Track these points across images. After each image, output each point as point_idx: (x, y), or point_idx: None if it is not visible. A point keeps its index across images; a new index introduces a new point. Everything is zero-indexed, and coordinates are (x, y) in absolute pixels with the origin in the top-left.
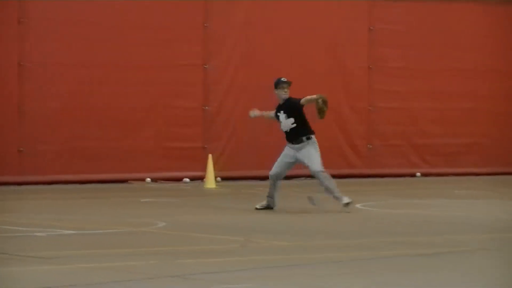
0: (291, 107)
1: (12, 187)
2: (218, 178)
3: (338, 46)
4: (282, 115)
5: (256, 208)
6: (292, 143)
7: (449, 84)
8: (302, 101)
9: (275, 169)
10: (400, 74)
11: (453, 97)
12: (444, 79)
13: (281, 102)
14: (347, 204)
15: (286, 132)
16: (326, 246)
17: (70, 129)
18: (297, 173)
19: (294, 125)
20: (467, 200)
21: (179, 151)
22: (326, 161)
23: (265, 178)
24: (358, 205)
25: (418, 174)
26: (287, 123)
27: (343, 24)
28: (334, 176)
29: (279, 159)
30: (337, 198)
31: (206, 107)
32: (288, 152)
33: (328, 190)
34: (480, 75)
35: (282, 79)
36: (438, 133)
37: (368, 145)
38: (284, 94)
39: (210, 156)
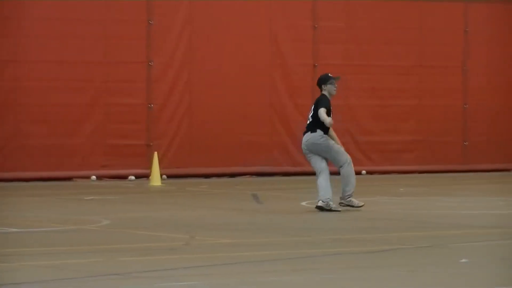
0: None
1: None
2: (164, 176)
3: (281, 44)
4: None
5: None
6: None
7: (389, 81)
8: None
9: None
10: (342, 71)
11: (396, 94)
12: (384, 76)
13: (330, 98)
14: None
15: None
16: (271, 243)
17: (13, 125)
18: (240, 171)
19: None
20: (411, 198)
21: (124, 149)
22: (271, 159)
23: (209, 175)
24: (303, 203)
25: (364, 172)
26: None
27: (286, 22)
28: (278, 174)
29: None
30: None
31: (151, 105)
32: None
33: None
34: (422, 71)
35: (330, 74)
36: (381, 131)
37: None
38: (335, 90)
39: (155, 153)
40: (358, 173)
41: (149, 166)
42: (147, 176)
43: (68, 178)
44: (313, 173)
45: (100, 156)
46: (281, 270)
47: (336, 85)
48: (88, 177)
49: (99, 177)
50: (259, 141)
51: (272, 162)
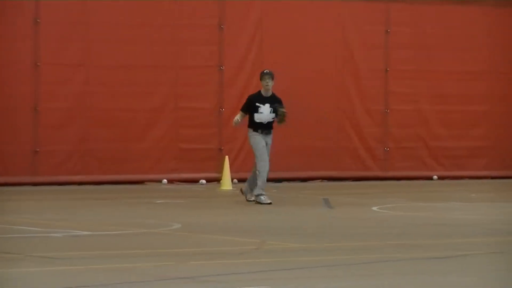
0: (276, 102)
1: (26, 188)
2: (234, 180)
3: (353, 48)
4: (265, 107)
5: (249, 200)
6: (264, 132)
7: (459, 87)
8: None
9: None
10: (414, 76)
11: (464, 100)
12: (454, 82)
13: (264, 94)
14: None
15: (261, 123)
16: (339, 248)
17: (85, 130)
18: (311, 175)
19: (273, 119)
20: (483, 203)
21: (195, 153)
22: (342, 164)
23: (280, 180)
24: (374, 208)
25: (435, 177)
26: (269, 116)
27: (358, 26)
28: (349, 179)
29: (262, 147)
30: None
31: (222, 109)
32: (261, 138)
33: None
34: (491, 76)
35: (265, 70)
36: (453, 136)
37: (385, 148)
38: (266, 85)
39: (226, 157)
40: (429, 178)
41: (220, 170)
42: (218, 180)
43: (139, 182)
44: (385, 178)
45: (171, 160)
46: (351, 275)
47: (268, 80)
48: (159, 181)
49: (170, 181)
50: (329, 146)
51: (343, 167)
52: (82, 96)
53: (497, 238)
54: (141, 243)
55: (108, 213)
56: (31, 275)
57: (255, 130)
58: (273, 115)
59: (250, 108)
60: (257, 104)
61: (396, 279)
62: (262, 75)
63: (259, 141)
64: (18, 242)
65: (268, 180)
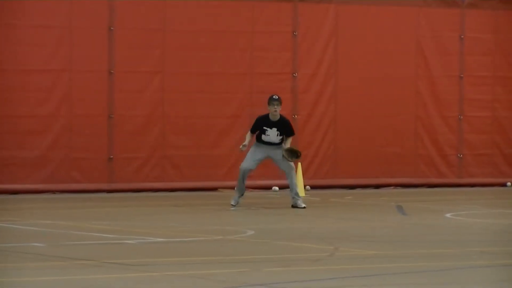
0: (284, 127)
1: (102, 195)
2: (307, 187)
3: (427, 54)
4: (273, 131)
5: (232, 205)
6: (271, 147)
7: None
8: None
9: (251, 163)
10: (489, 82)
11: None
12: None
13: (272, 118)
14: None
15: (268, 142)
16: (414, 255)
17: (158, 137)
18: (385, 182)
19: (280, 140)
20: None
21: (268, 159)
22: (416, 171)
23: (354, 186)
24: (448, 215)
25: (509, 183)
26: (276, 138)
27: (432, 32)
28: (423, 186)
29: (251, 155)
30: (296, 196)
31: (295, 116)
32: (260, 149)
33: (294, 188)
34: None
35: (274, 96)
36: None
37: (459, 155)
38: (275, 111)
39: (299, 164)
40: (503, 184)
41: None
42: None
43: (213, 189)
44: (459, 185)
45: None
46: (423, 283)
47: (276, 106)
48: (233, 188)
49: None
50: (404, 152)
51: (418, 174)
52: (159, 103)
53: None
54: (216, 250)
55: (183, 220)
56: (107, 282)
57: (261, 143)
58: (280, 138)
59: (257, 129)
60: (265, 127)
61: (474, 286)
62: (271, 101)
63: (255, 152)
64: (93, 248)
65: (343, 186)
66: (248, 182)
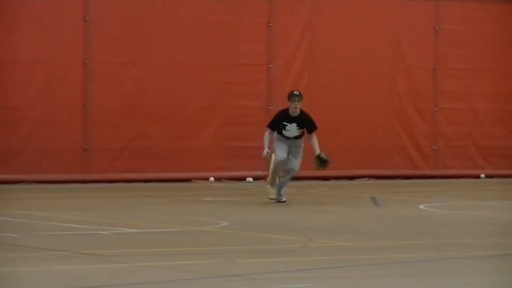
0: (305, 122)
1: (76, 185)
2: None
3: (402, 46)
4: (292, 126)
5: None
6: (290, 141)
7: (508, 85)
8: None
9: (284, 153)
10: (464, 75)
11: None
12: (508, 80)
13: (292, 114)
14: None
15: (288, 137)
16: (388, 247)
17: (133, 128)
18: (360, 174)
19: (300, 133)
20: None
21: (243, 151)
22: (391, 162)
23: (328, 178)
24: (422, 206)
25: (483, 175)
26: (296, 132)
27: (408, 24)
28: (398, 177)
29: (280, 146)
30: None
31: (270, 107)
32: (283, 141)
33: (284, 185)
34: None
35: (295, 92)
36: (503, 134)
37: (433, 146)
38: (295, 108)
39: (273, 155)
40: (477, 176)
41: (268, 168)
42: (265, 178)
43: (187, 180)
44: (434, 176)
45: (219, 158)
46: (396, 274)
47: (297, 103)
48: (207, 179)
49: (217, 179)
50: (379, 144)
51: (392, 165)
52: (135, 94)
53: None
54: (189, 241)
55: (156, 211)
56: (82, 272)
57: (282, 136)
58: (300, 131)
59: (276, 125)
60: (284, 123)
61: (446, 278)
62: (292, 97)
63: (280, 143)
64: (68, 239)
65: (318, 178)
66: (222, 173)
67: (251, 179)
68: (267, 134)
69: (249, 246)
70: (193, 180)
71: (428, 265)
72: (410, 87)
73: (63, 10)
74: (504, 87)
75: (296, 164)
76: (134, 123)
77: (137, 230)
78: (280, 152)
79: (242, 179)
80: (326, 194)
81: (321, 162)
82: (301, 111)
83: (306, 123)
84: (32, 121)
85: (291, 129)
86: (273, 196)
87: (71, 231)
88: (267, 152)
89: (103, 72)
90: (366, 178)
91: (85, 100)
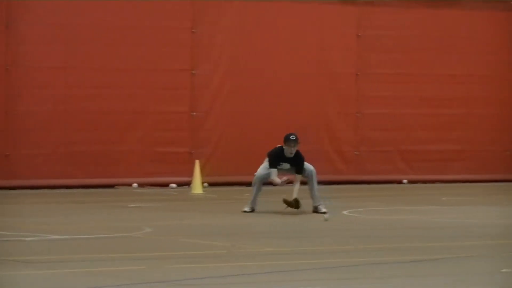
0: (297, 164)
1: (0, 191)
2: (205, 184)
3: (326, 52)
4: (286, 165)
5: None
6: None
7: (438, 90)
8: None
9: (265, 171)
10: (388, 79)
11: (443, 103)
12: (433, 85)
13: (287, 155)
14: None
15: (281, 168)
16: (313, 252)
17: (58, 133)
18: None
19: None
20: (455, 207)
21: (166, 156)
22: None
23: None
24: (345, 212)
25: (405, 181)
26: (287, 167)
27: (331, 30)
28: (321, 182)
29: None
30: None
31: (194, 113)
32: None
33: (315, 192)
34: (469, 80)
35: (291, 137)
36: (426, 140)
37: (355, 152)
38: (290, 154)
39: (197, 161)
40: (399, 181)
41: (191, 173)
42: (188, 183)
43: (111, 186)
44: (357, 182)
45: (143, 164)
46: (322, 279)
47: (293, 148)
48: (130, 185)
49: (141, 185)
50: (301, 148)
51: (315, 170)
52: (61, 99)
53: (469, 242)
54: (114, 247)
55: (82, 217)
56: (7, 279)
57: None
58: (293, 168)
59: (275, 163)
60: (280, 162)
61: (374, 283)
62: (288, 142)
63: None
64: None
65: (242, 183)
66: (145, 179)
67: (174, 185)
68: (275, 179)
69: (173, 252)
70: (116, 186)
71: (352, 270)
72: (333, 92)
73: None
74: (427, 92)
75: (309, 167)
76: (60, 128)
77: (62, 237)
78: (262, 170)
79: (166, 185)
80: (249, 199)
81: (296, 204)
82: (297, 152)
83: (298, 166)
84: None
85: (284, 166)
86: (247, 209)
87: None
88: (285, 180)
89: (27, 77)
90: (290, 184)
91: (7, 106)
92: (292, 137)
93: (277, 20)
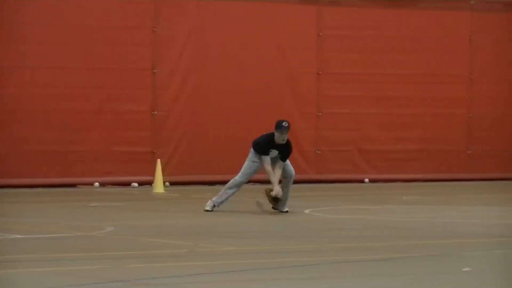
0: (285, 151)
1: None
2: (167, 183)
3: (287, 51)
4: (274, 152)
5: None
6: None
7: (398, 90)
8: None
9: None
10: (349, 79)
11: (402, 102)
12: (393, 85)
13: (277, 142)
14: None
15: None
16: (276, 251)
17: (18, 132)
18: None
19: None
20: (415, 206)
21: (127, 156)
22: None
23: (214, 183)
24: (307, 211)
25: (366, 180)
26: (275, 155)
27: (292, 29)
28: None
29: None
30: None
31: (155, 112)
32: (256, 163)
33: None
34: (427, 79)
35: (284, 124)
36: (386, 139)
37: (317, 151)
38: (283, 140)
39: (158, 160)
40: (361, 181)
41: (153, 173)
42: (150, 183)
43: (72, 185)
44: (316, 181)
45: (104, 163)
46: (286, 278)
47: (285, 135)
48: (92, 184)
49: (102, 184)
50: None
51: None
52: (20, 98)
53: (430, 241)
54: (76, 247)
55: (42, 216)
56: None
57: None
58: (279, 156)
59: (267, 150)
60: (270, 149)
61: (338, 282)
62: (280, 128)
63: (251, 167)
64: None
65: (203, 182)
66: (106, 179)
67: (136, 184)
68: (268, 167)
69: (135, 251)
70: (78, 186)
71: (315, 269)
72: (294, 91)
73: None
74: (387, 92)
75: (291, 169)
76: (19, 127)
77: (22, 236)
78: (245, 175)
79: (127, 184)
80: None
81: (275, 202)
82: (287, 139)
83: (286, 153)
84: None
85: (272, 154)
86: (208, 208)
87: None
88: (279, 192)
89: None
90: (251, 183)
91: None
92: (285, 123)
93: (238, 19)
